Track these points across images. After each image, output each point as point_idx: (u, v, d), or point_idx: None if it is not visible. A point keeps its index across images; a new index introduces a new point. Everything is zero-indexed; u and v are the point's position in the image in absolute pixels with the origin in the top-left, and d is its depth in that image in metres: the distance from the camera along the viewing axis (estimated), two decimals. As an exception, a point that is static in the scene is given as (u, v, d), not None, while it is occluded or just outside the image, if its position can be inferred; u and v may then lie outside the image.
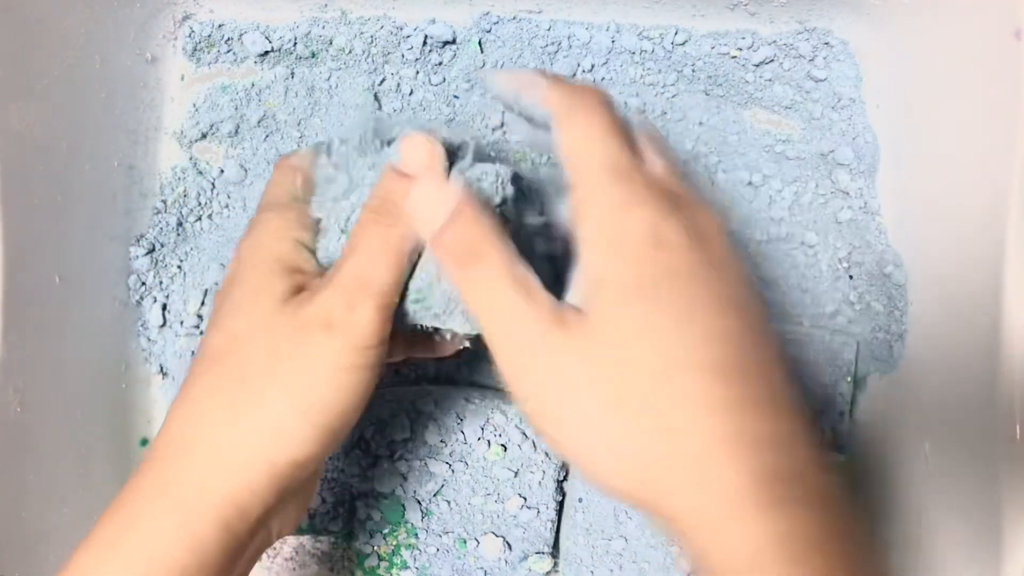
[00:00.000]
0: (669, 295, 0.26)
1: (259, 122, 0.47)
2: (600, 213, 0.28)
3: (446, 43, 0.47)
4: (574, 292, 0.28)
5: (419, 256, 0.31)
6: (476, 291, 0.29)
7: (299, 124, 0.48)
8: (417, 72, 0.47)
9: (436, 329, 0.33)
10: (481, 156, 0.33)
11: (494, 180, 0.32)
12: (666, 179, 0.30)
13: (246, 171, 0.48)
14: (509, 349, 0.28)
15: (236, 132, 0.48)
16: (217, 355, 0.30)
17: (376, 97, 0.47)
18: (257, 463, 0.29)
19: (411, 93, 0.47)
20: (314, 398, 0.29)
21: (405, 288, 0.32)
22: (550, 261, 0.33)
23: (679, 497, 0.26)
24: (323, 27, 0.47)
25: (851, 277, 0.47)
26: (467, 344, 0.35)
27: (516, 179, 0.33)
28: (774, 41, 0.46)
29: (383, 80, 0.47)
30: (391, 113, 0.47)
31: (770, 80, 0.47)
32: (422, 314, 0.32)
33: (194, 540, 0.28)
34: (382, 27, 0.47)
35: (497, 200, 0.32)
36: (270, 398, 0.29)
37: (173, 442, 0.30)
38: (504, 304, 0.27)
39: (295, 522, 0.33)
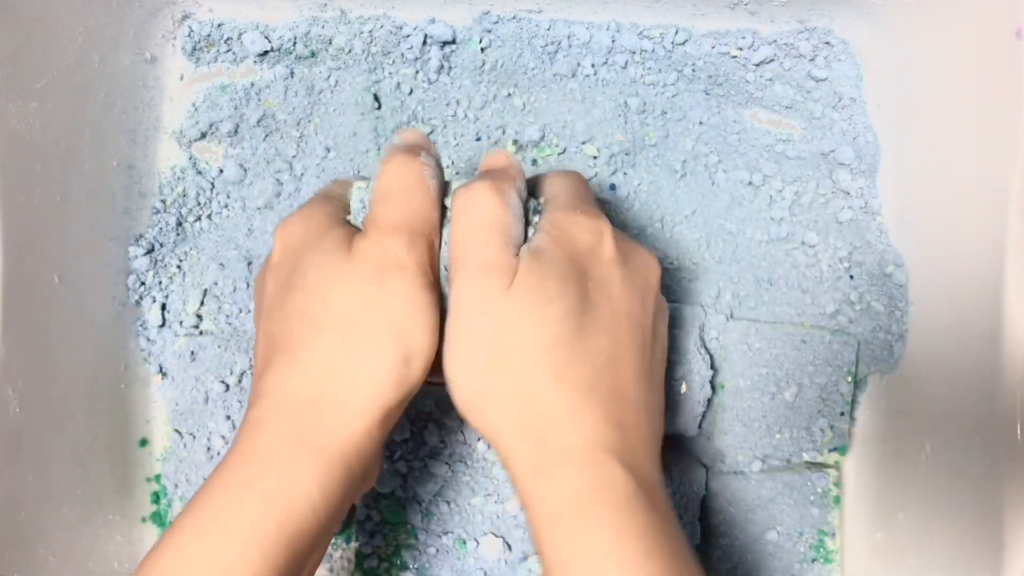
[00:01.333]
0: (584, 287, 0.31)
1: (259, 122, 0.47)
2: (562, 212, 0.33)
3: (446, 43, 0.47)
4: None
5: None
6: (488, 190, 0.32)
7: (298, 124, 0.48)
8: (417, 72, 0.47)
9: None
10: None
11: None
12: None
13: (245, 171, 0.48)
14: (473, 238, 0.31)
15: (235, 132, 0.48)
16: (309, 312, 0.31)
17: (376, 97, 0.47)
18: (373, 408, 0.30)
19: (410, 93, 0.47)
20: (411, 340, 0.30)
21: None
22: None
23: (517, 442, 0.30)
24: (323, 26, 0.47)
25: (852, 277, 0.46)
26: None
27: None
28: (774, 40, 0.46)
29: (383, 80, 0.47)
30: (391, 112, 0.47)
31: (770, 80, 0.47)
32: None
33: (325, 481, 0.30)
34: (382, 26, 0.47)
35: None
36: (373, 345, 0.30)
37: (293, 396, 0.31)
38: (494, 214, 0.31)
39: (379, 469, 0.34)
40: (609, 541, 0.28)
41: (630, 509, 0.28)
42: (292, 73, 0.47)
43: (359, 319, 0.30)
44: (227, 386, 0.46)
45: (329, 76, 0.47)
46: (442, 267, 0.33)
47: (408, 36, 0.47)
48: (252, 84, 0.48)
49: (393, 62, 0.47)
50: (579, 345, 0.30)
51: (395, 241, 0.31)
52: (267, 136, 0.48)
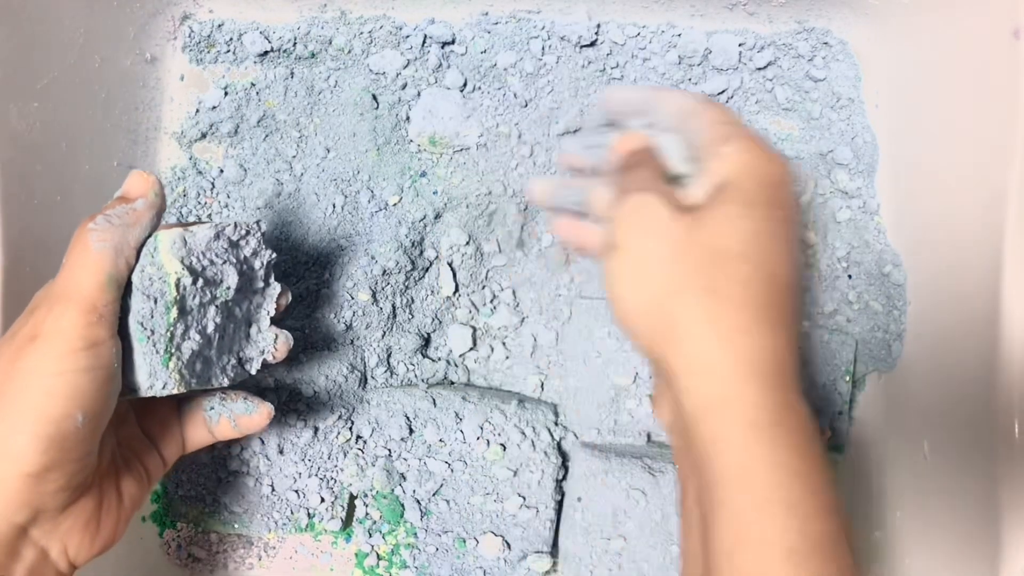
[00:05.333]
0: (765, 225, 0.31)
1: (259, 122, 0.48)
2: (746, 148, 0.32)
3: (445, 43, 0.47)
4: (698, 189, 0.32)
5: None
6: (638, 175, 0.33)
7: (298, 124, 0.48)
8: (416, 71, 0.47)
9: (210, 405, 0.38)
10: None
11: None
12: None
13: (245, 171, 0.48)
14: (639, 217, 0.32)
15: (235, 132, 0.48)
16: None
17: (374, 97, 0.47)
18: (12, 478, 0.30)
19: (405, 88, 0.47)
20: (28, 408, 0.30)
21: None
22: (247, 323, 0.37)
23: (697, 349, 0.29)
24: (323, 27, 0.47)
25: (850, 276, 0.47)
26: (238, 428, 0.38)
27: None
28: (773, 41, 0.46)
29: (383, 80, 0.47)
30: (390, 111, 0.47)
31: (769, 80, 0.47)
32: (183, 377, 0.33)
33: None
34: (381, 27, 0.47)
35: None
36: (6, 423, 0.30)
37: None
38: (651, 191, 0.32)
39: (87, 543, 0.33)
40: (775, 477, 0.27)
41: (800, 444, 0.28)
42: (292, 74, 0.48)
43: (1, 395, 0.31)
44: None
45: (329, 76, 0.48)
46: (134, 321, 0.32)
47: (408, 36, 0.47)
48: (252, 84, 0.48)
49: (393, 63, 0.47)
50: (770, 266, 0.30)
51: (42, 312, 0.31)
52: (267, 136, 0.48)
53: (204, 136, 0.48)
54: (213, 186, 0.48)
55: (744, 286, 0.29)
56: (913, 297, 0.45)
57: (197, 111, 0.48)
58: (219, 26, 0.47)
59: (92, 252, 0.32)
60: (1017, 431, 0.37)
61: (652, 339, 0.31)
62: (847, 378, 0.46)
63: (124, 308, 0.32)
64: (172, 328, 0.33)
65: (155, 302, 0.32)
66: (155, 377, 0.33)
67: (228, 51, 0.48)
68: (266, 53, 0.47)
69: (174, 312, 0.33)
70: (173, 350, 0.33)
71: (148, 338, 0.32)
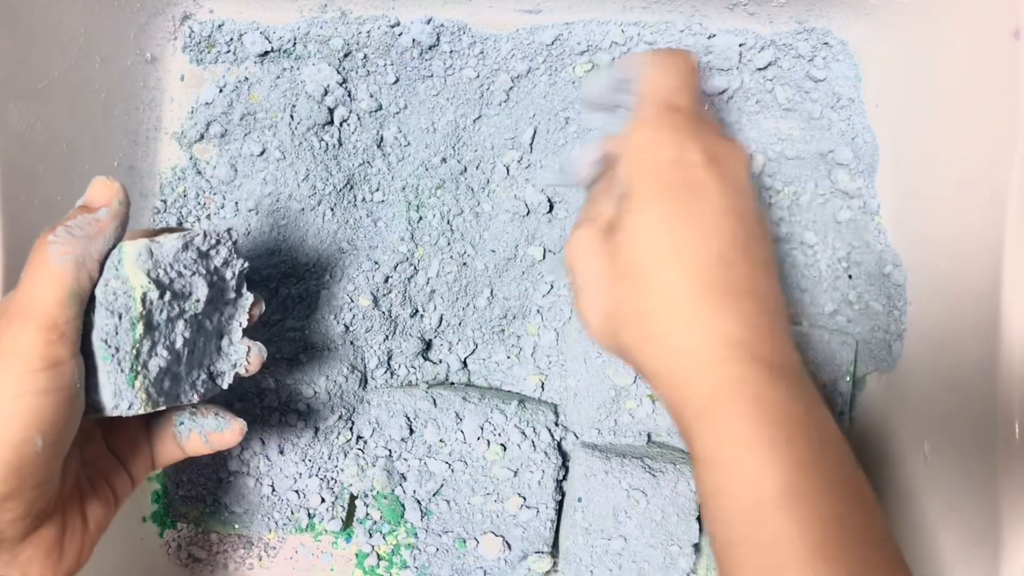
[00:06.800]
0: (680, 199, 0.33)
1: (242, 119, 0.47)
2: (643, 132, 0.34)
3: (445, 42, 0.47)
4: (612, 204, 0.35)
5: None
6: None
7: (275, 124, 0.47)
8: (415, 70, 0.47)
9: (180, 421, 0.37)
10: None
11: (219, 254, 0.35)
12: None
13: (236, 170, 0.47)
14: (575, 254, 0.35)
15: (225, 131, 0.47)
16: None
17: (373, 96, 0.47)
18: None
19: (394, 83, 0.47)
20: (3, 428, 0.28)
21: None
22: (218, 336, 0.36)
23: (650, 361, 0.32)
24: (322, 27, 0.47)
25: (850, 277, 0.47)
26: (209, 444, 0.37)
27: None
28: (773, 41, 0.46)
29: (376, 76, 0.47)
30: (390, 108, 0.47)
31: (769, 80, 0.47)
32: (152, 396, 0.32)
33: None
34: (379, 27, 0.47)
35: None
36: None
37: None
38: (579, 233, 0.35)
39: (49, 572, 0.32)
40: (745, 432, 0.29)
41: (764, 399, 0.29)
42: (283, 71, 0.47)
43: None
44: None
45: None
46: (97, 339, 0.31)
47: (402, 35, 0.47)
48: (246, 79, 0.47)
49: (392, 62, 0.47)
50: (687, 253, 0.32)
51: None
52: (247, 134, 0.47)
53: (203, 137, 0.48)
54: (212, 186, 0.48)
55: (670, 291, 0.32)
56: (913, 297, 0.45)
57: (196, 111, 0.47)
58: (219, 26, 0.47)
59: (52, 266, 0.30)
60: (1017, 431, 0.37)
61: (616, 352, 0.34)
62: (847, 378, 0.46)
63: (87, 324, 0.31)
64: (138, 345, 0.31)
65: (120, 318, 0.31)
66: (120, 397, 0.31)
67: (228, 51, 0.48)
68: (266, 53, 0.47)
69: (140, 328, 0.31)
70: (139, 368, 0.31)
71: (113, 356, 0.31)
